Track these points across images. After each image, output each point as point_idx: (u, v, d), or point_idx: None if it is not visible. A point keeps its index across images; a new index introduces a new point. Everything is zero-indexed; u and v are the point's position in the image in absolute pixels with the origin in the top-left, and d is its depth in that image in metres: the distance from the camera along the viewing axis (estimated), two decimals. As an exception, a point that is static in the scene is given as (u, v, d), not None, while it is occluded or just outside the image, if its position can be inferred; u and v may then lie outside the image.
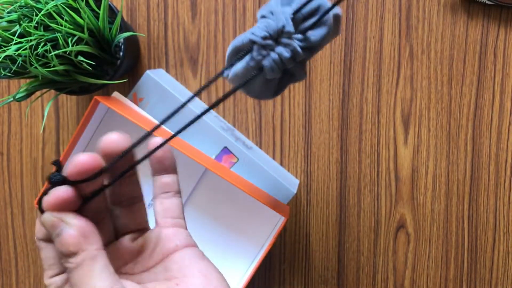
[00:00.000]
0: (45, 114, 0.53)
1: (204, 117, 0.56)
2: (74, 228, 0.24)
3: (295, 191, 0.56)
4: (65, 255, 0.24)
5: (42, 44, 0.47)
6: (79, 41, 0.49)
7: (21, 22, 0.47)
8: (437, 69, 0.59)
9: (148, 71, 0.55)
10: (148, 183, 0.56)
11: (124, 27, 0.53)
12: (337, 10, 0.27)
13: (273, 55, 0.27)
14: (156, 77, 0.55)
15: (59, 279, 0.27)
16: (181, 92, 0.58)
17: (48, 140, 0.63)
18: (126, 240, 0.29)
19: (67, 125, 0.62)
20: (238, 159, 0.56)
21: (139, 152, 0.28)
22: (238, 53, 0.28)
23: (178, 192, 0.32)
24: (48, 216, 0.25)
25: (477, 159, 0.60)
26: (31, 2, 0.47)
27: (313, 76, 0.60)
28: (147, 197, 0.57)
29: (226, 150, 0.56)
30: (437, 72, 0.59)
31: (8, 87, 0.62)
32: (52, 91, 0.60)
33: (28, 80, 0.51)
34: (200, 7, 0.60)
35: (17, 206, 0.64)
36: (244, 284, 0.53)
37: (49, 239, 0.27)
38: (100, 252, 0.25)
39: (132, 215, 0.30)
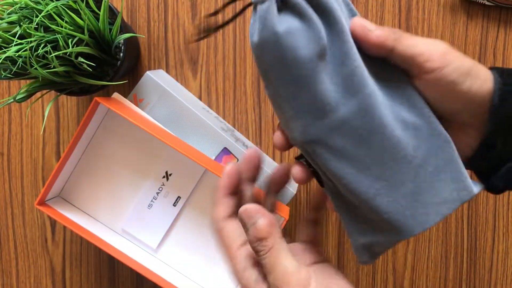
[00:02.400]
0: (46, 115, 0.53)
1: (204, 117, 0.56)
2: (266, 219, 0.32)
3: (295, 192, 0.56)
4: (258, 239, 0.32)
5: (42, 45, 0.47)
6: (80, 42, 0.49)
7: (21, 24, 0.47)
8: (437, 70, 0.60)
9: (148, 72, 0.55)
10: (145, 184, 0.56)
11: (124, 28, 0.53)
12: None
13: None
14: (156, 78, 0.55)
15: (247, 252, 0.35)
16: (181, 93, 0.58)
17: (49, 141, 0.63)
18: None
19: (68, 126, 0.62)
20: (238, 160, 0.56)
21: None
22: None
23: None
24: (246, 209, 0.33)
25: (477, 160, 0.60)
26: (31, 3, 0.47)
27: (313, 77, 0.60)
28: (145, 198, 0.57)
29: (226, 151, 0.56)
30: (436, 72, 0.60)
31: (8, 88, 0.63)
32: (53, 92, 0.60)
33: (28, 81, 0.51)
34: (200, 7, 0.60)
35: (18, 207, 0.64)
36: (244, 285, 0.53)
37: (229, 218, 0.36)
38: (282, 239, 0.32)
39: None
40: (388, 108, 0.31)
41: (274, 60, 0.29)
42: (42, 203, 0.54)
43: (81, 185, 0.57)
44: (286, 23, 0.28)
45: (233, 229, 0.36)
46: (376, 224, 0.33)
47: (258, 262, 0.34)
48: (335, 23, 0.29)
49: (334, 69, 0.30)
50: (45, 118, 0.62)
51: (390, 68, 0.32)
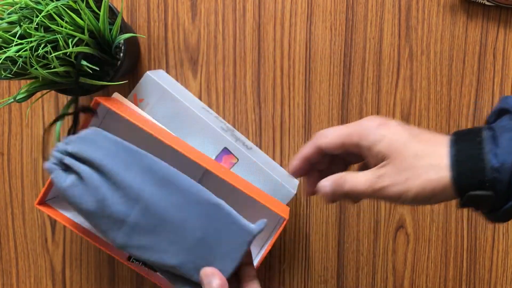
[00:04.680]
0: (46, 115, 0.53)
1: (204, 117, 0.56)
2: (217, 283, 0.42)
3: (295, 192, 0.56)
4: None
5: (42, 45, 0.47)
6: (80, 42, 0.49)
7: (21, 24, 0.47)
8: (437, 70, 0.60)
9: (148, 72, 0.55)
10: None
11: (124, 28, 0.53)
12: None
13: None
14: (156, 78, 0.55)
15: None
16: (181, 93, 0.58)
17: (49, 141, 0.63)
18: None
19: (68, 126, 0.62)
20: (238, 160, 0.56)
21: None
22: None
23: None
24: (204, 270, 0.43)
25: (477, 160, 0.60)
26: (31, 3, 0.47)
27: (312, 77, 0.60)
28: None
29: (226, 151, 0.56)
30: (436, 72, 0.60)
31: (8, 88, 0.63)
32: (53, 92, 0.60)
33: (28, 81, 0.51)
34: (200, 7, 0.60)
35: (18, 207, 0.64)
36: (244, 285, 0.53)
37: None
38: None
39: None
40: (165, 202, 0.44)
41: (71, 204, 0.44)
42: (42, 203, 0.54)
43: (81, 185, 0.57)
44: (69, 180, 0.43)
45: None
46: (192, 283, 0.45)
47: None
48: (101, 168, 0.43)
49: (114, 196, 0.43)
50: (45, 118, 0.62)
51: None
